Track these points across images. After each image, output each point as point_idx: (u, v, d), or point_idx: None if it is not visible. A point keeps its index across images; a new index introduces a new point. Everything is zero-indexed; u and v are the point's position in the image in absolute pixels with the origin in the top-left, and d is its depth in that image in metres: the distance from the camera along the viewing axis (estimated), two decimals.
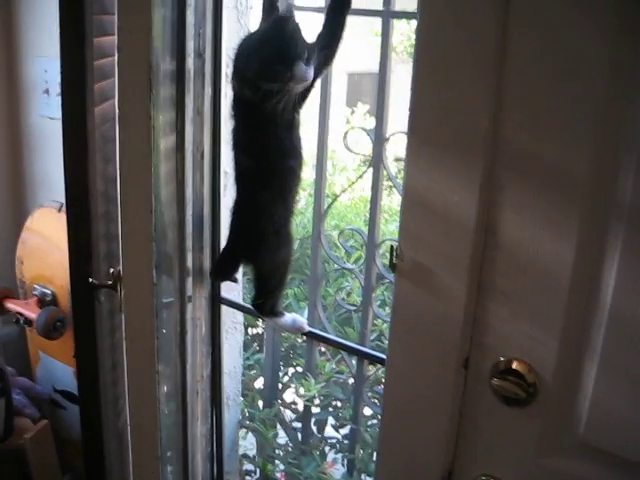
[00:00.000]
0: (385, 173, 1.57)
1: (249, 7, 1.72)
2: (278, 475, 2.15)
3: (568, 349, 0.94)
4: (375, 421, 2.11)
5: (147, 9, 1.25)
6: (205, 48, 1.49)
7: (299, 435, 2.11)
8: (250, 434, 2.19)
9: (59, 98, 1.58)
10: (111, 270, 1.55)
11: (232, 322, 1.94)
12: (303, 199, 2.51)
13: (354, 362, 1.84)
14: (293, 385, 2.23)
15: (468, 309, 1.00)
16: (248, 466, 2.20)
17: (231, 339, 1.95)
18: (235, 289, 1.82)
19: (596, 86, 0.84)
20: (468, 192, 0.95)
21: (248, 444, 2.22)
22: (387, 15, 1.46)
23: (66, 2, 1.47)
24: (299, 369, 2.22)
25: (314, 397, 2.05)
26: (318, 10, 1.44)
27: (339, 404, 2.21)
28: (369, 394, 2.00)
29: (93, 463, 1.85)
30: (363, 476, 2.04)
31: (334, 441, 2.20)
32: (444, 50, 0.94)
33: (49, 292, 2.32)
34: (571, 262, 0.90)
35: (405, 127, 0.99)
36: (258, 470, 2.17)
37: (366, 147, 1.70)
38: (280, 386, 2.22)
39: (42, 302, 2.31)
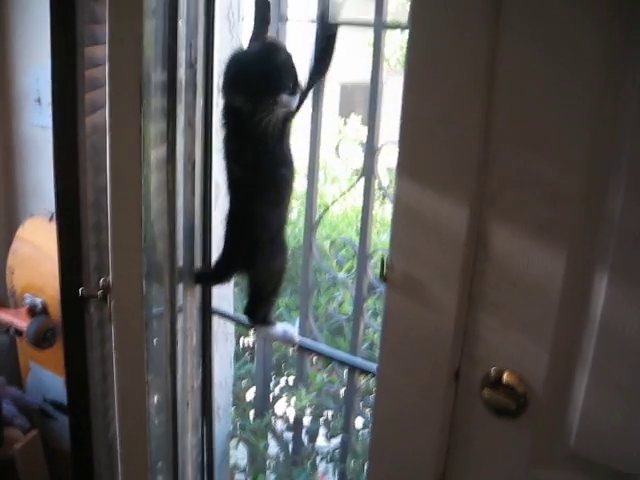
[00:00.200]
0: (377, 183, 1.57)
1: (241, 18, 1.73)
2: None
3: (559, 361, 0.95)
4: (366, 431, 2.11)
5: (138, 19, 1.25)
6: (197, 59, 1.49)
7: (290, 445, 2.11)
8: (241, 444, 2.19)
9: (51, 107, 1.57)
10: (101, 281, 1.54)
11: (223, 332, 1.94)
12: (295, 209, 2.52)
13: (345, 373, 1.84)
14: (285, 395, 2.23)
15: (459, 320, 1.00)
16: (239, 476, 2.20)
17: (222, 350, 1.95)
18: (226, 299, 1.82)
19: (587, 100, 0.84)
20: (459, 204, 0.95)
21: (239, 454, 2.22)
22: (379, 26, 1.46)
23: (57, 10, 1.47)
24: (290, 380, 2.22)
25: (305, 407, 2.04)
26: (309, 21, 1.45)
27: (330, 414, 2.21)
28: (361, 404, 2.00)
29: (83, 474, 1.84)
30: None
31: (325, 451, 2.19)
32: (434, 61, 0.94)
33: (40, 302, 2.30)
34: (561, 275, 0.91)
35: (397, 138, 0.99)
36: None
37: (358, 157, 1.70)
38: (271, 397, 2.21)
39: (33, 312, 2.29)
